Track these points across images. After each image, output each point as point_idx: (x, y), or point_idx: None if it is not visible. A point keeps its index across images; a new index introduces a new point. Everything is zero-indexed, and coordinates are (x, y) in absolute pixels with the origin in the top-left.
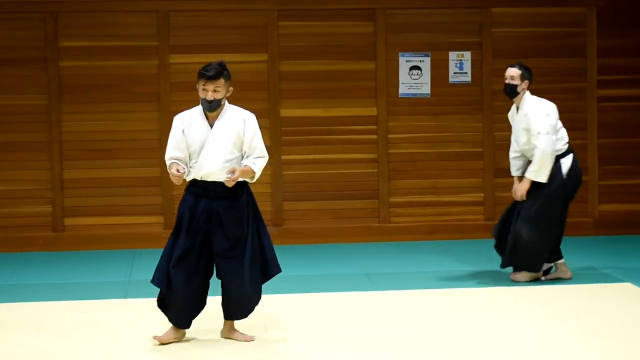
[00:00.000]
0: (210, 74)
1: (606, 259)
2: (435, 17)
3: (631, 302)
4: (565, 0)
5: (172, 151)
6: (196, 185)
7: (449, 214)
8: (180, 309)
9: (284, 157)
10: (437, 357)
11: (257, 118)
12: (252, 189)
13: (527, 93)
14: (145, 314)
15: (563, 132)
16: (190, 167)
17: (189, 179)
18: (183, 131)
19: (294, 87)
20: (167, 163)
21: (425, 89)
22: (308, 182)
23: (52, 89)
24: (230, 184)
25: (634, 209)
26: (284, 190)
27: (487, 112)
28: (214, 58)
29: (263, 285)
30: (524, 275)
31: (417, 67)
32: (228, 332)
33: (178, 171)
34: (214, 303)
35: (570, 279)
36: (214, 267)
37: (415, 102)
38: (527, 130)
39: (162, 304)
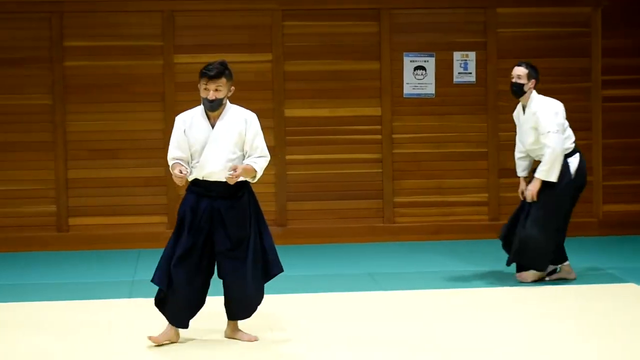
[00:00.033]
0: (212, 73)
1: (611, 259)
2: (439, 17)
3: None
4: (570, 0)
5: (174, 151)
6: (198, 185)
7: (453, 214)
8: (181, 309)
9: (288, 157)
10: (442, 358)
11: (261, 118)
12: (257, 189)
13: (534, 92)
14: (146, 314)
15: (570, 132)
16: (192, 167)
17: (190, 178)
18: (184, 131)
19: (299, 87)
20: (170, 163)
21: (430, 89)
22: (312, 182)
23: (57, 89)
24: (232, 181)
25: (639, 209)
26: (288, 190)
27: (491, 112)
28: (219, 58)
29: (267, 285)
30: (530, 275)
31: (422, 67)
32: (232, 332)
33: (181, 172)
34: (215, 303)
35: (574, 279)
36: (215, 267)
37: (419, 102)
38: (535, 129)
39: (161, 304)
